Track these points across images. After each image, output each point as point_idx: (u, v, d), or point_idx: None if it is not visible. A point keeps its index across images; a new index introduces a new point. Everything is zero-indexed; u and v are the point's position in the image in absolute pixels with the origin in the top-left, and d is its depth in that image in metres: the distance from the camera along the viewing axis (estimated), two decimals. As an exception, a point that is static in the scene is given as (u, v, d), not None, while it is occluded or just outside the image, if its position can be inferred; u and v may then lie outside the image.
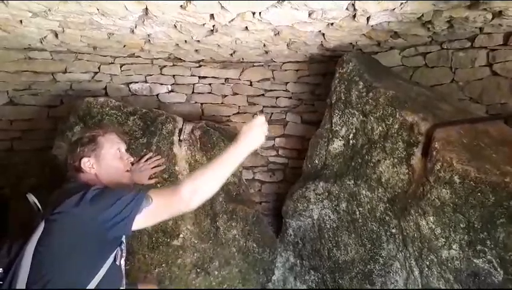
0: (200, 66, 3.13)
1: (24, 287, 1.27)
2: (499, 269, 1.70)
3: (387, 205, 2.16)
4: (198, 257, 2.31)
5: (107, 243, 1.37)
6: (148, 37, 2.42)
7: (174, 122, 2.46)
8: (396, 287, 2.11)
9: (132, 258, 2.16)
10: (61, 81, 2.83)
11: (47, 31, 2.28)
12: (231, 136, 2.61)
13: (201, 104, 3.18)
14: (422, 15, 2.07)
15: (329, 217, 2.44)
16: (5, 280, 1.29)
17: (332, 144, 2.51)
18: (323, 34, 2.40)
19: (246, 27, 2.22)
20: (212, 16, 2.04)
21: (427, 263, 1.95)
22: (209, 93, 3.19)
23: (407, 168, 2.09)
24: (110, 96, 2.79)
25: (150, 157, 2.28)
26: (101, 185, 1.43)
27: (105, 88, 2.94)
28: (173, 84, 3.11)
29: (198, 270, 2.29)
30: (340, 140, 2.48)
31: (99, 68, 2.90)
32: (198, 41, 2.50)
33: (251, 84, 3.24)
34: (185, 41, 2.50)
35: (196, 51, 2.77)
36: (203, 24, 2.15)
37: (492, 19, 2.09)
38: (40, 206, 1.44)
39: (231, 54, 2.89)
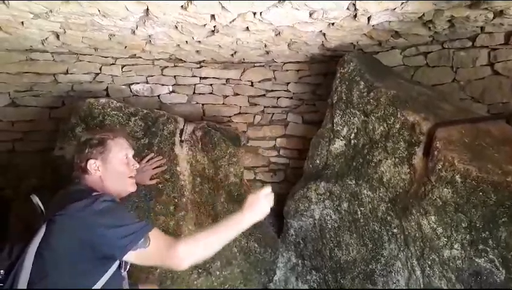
0: (201, 66, 3.13)
1: (25, 289, 1.27)
2: (500, 269, 1.70)
3: (389, 204, 2.16)
4: (199, 257, 2.31)
5: (103, 255, 1.35)
6: (149, 38, 2.42)
7: (176, 122, 2.47)
8: (398, 287, 2.11)
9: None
10: (62, 83, 2.83)
11: (48, 32, 2.28)
12: (232, 137, 2.62)
13: (203, 104, 3.18)
14: (423, 14, 2.07)
15: (331, 217, 2.44)
16: (6, 282, 1.29)
17: (333, 144, 2.51)
18: (324, 34, 2.40)
19: (247, 27, 2.22)
20: (213, 16, 2.04)
21: (429, 262, 1.95)
22: (210, 93, 3.19)
23: (408, 167, 2.08)
24: (111, 97, 2.79)
25: (152, 158, 2.28)
26: (110, 197, 1.41)
27: (106, 89, 2.94)
28: (174, 85, 3.11)
29: (199, 270, 2.29)
30: (341, 140, 2.48)
31: (100, 69, 2.90)
32: (199, 42, 2.50)
33: (252, 85, 3.24)
34: (186, 42, 2.51)
35: (197, 51, 2.77)
36: (204, 25, 2.16)
37: (494, 18, 2.09)
38: (43, 208, 1.45)
39: (232, 55, 2.89)
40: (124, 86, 2.99)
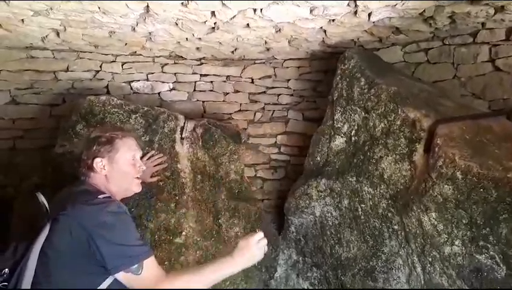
0: (201, 63, 3.13)
1: (29, 288, 1.27)
2: (501, 265, 1.70)
3: (390, 201, 2.16)
4: (201, 255, 2.31)
5: (96, 262, 1.34)
6: (149, 35, 2.42)
7: (176, 120, 2.47)
8: (399, 284, 2.12)
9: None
10: (63, 80, 2.83)
11: (48, 29, 2.28)
12: (233, 134, 2.62)
13: (203, 102, 3.17)
14: (424, 11, 2.07)
15: (332, 214, 2.44)
16: (10, 280, 1.29)
17: (334, 141, 2.50)
18: (325, 31, 2.40)
19: (247, 24, 2.22)
20: (213, 13, 2.04)
21: (430, 259, 1.95)
22: (211, 91, 3.19)
23: (409, 164, 2.08)
24: (111, 94, 2.79)
25: (152, 156, 2.28)
26: (117, 206, 1.39)
27: (106, 86, 2.94)
28: (175, 82, 3.11)
29: (201, 267, 2.29)
30: (342, 137, 2.47)
31: (100, 67, 2.90)
32: (200, 38, 2.49)
33: (252, 82, 3.24)
34: (186, 39, 2.50)
35: (197, 48, 2.77)
36: (204, 21, 2.15)
37: (495, 14, 2.08)
38: (48, 207, 1.44)
39: (232, 52, 2.88)
40: (124, 84, 2.98)
